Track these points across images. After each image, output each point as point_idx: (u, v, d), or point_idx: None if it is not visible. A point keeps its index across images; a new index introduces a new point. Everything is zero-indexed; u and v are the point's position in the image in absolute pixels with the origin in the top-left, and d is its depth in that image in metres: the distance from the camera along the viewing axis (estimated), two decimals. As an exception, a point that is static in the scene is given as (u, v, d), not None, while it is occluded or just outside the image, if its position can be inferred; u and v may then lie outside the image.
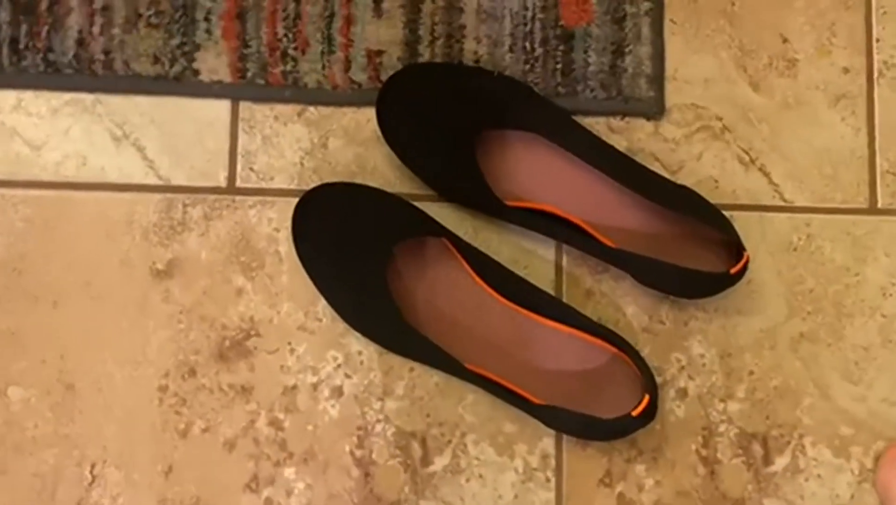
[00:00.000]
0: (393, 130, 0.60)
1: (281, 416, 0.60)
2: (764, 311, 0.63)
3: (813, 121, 0.64)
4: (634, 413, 0.54)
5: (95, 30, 0.61)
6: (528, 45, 0.63)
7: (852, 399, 0.62)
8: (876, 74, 0.65)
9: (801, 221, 0.64)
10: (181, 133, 0.62)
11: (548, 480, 0.60)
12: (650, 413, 0.55)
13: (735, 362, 0.62)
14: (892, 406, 0.62)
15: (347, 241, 0.57)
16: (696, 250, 0.61)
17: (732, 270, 0.57)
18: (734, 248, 0.60)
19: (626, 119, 0.64)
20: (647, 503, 0.61)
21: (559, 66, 0.63)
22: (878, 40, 0.65)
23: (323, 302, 0.60)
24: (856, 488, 0.61)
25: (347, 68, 0.62)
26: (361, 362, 0.60)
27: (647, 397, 0.54)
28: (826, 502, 0.61)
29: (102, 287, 0.60)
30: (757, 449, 0.62)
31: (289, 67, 0.62)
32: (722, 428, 0.62)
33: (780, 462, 0.61)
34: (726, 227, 0.59)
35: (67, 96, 0.62)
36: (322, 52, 0.62)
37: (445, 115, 0.59)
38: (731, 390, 0.62)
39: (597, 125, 0.63)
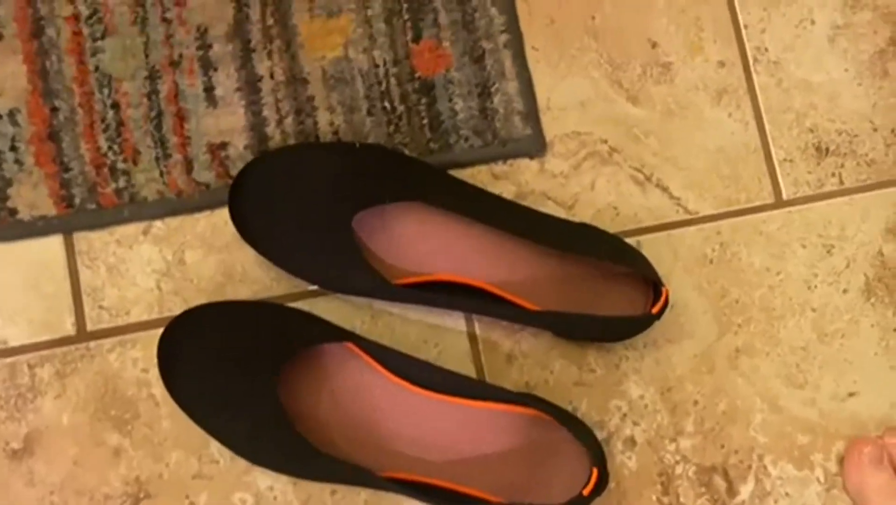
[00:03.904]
0: (253, 229, 0.53)
1: (196, 581, 0.52)
2: (694, 334, 0.59)
3: (700, 123, 0.61)
4: (585, 492, 0.48)
5: None
6: (387, 104, 0.57)
7: (802, 404, 0.59)
8: (751, 62, 0.62)
9: (712, 231, 0.60)
10: (11, 284, 0.53)
11: (509, 574, 0.54)
12: (602, 485, 0.50)
13: (677, 395, 0.58)
14: (841, 401, 0.59)
15: (226, 369, 0.50)
16: (612, 286, 0.56)
17: (654, 310, 0.52)
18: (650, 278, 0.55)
19: (509, 162, 0.58)
20: (619, 571, 0.55)
21: (425, 120, 0.57)
22: (745, 27, 0.62)
23: (216, 441, 0.52)
24: (825, 497, 0.58)
25: (189, 170, 0.54)
26: (275, 498, 0.53)
27: (594, 472, 0.49)
28: (800, 520, 0.57)
29: (-51, 486, 0.51)
30: (719, 482, 0.57)
31: (122, 183, 0.54)
32: (679, 469, 0.57)
33: (746, 490, 0.57)
34: (637, 262, 0.54)
35: None
36: (157, 158, 0.54)
37: (311, 201, 0.52)
38: (679, 426, 0.57)
39: (479, 175, 0.58)
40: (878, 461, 0.56)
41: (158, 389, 0.53)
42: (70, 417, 0.52)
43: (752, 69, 0.62)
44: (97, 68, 0.54)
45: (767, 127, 0.61)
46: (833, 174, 0.62)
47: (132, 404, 0.53)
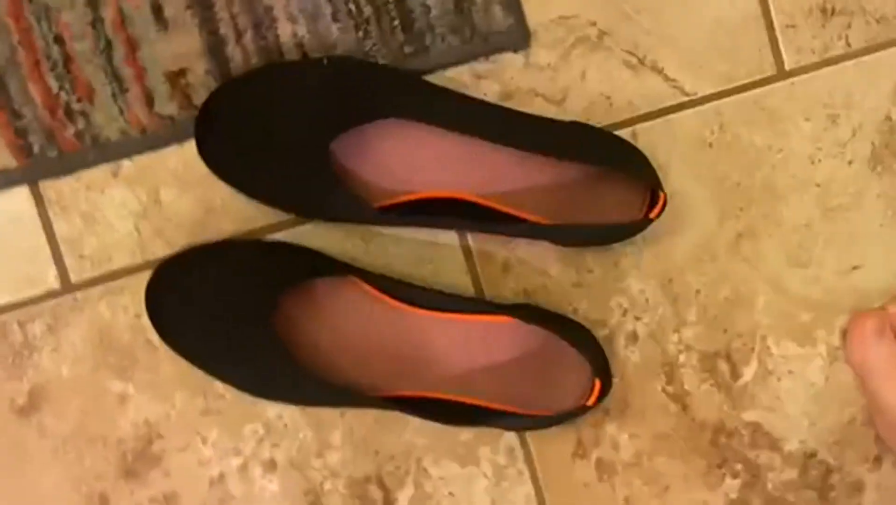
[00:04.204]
0: (225, 162, 0.50)
1: (218, 509, 0.54)
2: (694, 223, 0.57)
3: (695, -7, 0.56)
4: (590, 402, 0.49)
5: None
6: (353, 7, 0.52)
7: (806, 283, 0.58)
8: (750, -85, 0.56)
9: (711, 112, 0.56)
10: (-17, 242, 0.51)
11: (520, 473, 0.56)
12: (605, 390, 0.50)
13: (678, 287, 0.57)
14: (844, 275, 0.58)
15: (220, 313, 0.49)
16: (607, 189, 0.53)
17: (651, 214, 0.50)
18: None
19: (492, 59, 0.54)
20: (627, 460, 0.57)
21: (396, 21, 0.52)
22: None
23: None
24: (828, 371, 0.58)
25: (150, 103, 0.51)
26: (285, 425, 0.54)
27: (597, 382, 0.49)
28: (803, 395, 0.58)
29: (-37, 446, 0.52)
30: (722, 367, 0.58)
31: (81, 125, 0.50)
32: (682, 358, 0.57)
33: (749, 372, 0.58)
34: (633, 162, 0.51)
35: None
36: (113, 94, 0.50)
37: (284, 128, 0.49)
38: (681, 317, 0.57)
39: (460, 76, 0.54)
40: (880, 333, 0.56)
41: (154, 334, 0.52)
42: (70, 369, 0.52)
43: (751, -76, 0.56)
44: (31, -1, 0.49)
45: (769, -11, 0.57)
46: (839, 36, 0.57)
47: (129, 351, 0.52)
